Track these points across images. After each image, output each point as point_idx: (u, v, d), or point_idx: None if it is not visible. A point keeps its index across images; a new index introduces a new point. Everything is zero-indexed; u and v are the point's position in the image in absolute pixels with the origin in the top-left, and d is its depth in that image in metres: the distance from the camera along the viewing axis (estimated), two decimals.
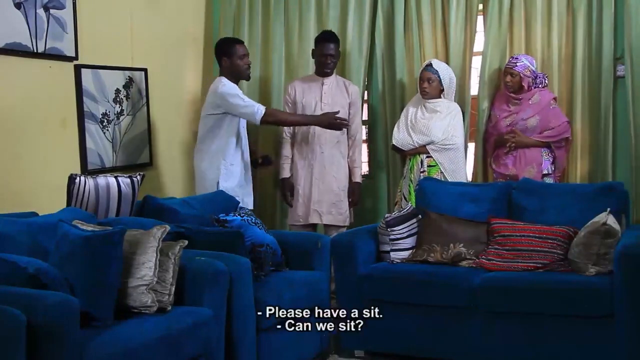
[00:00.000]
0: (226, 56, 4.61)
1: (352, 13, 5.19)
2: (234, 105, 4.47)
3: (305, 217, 4.91)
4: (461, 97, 4.94)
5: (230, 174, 4.57)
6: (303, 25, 5.33)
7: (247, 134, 4.81)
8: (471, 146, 5.06)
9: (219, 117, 4.52)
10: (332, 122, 4.55)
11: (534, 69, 4.61)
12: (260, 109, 4.43)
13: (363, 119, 5.33)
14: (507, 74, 4.64)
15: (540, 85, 4.66)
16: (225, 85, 4.51)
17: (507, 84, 4.65)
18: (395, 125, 4.88)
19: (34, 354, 2.43)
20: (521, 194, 4.24)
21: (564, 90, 4.76)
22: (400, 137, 4.81)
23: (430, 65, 4.72)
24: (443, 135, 4.68)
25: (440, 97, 4.76)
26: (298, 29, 5.35)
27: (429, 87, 4.71)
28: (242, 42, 4.75)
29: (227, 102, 4.47)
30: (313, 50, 4.95)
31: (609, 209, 3.70)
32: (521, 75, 4.58)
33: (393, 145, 4.87)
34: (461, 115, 4.79)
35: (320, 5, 5.31)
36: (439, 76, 4.70)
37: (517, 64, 4.59)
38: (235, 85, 4.60)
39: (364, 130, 5.41)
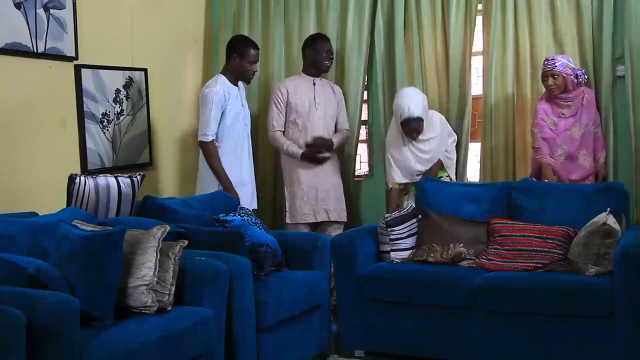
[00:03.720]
0: (238, 55, 4.63)
1: (352, 13, 5.19)
2: (200, 111, 4.60)
3: (313, 216, 4.91)
4: (462, 97, 4.94)
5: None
6: (303, 25, 5.33)
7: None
8: (472, 146, 5.05)
9: None
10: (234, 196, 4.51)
11: (573, 66, 4.48)
12: (207, 137, 4.53)
13: (363, 119, 5.34)
14: (547, 76, 4.44)
15: (583, 83, 4.51)
16: (211, 89, 4.55)
17: (550, 88, 4.45)
18: (389, 170, 4.75)
19: (34, 354, 2.43)
20: (521, 194, 4.23)
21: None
22: (402, 178, 4.72)
23: (419, 119, 4.53)
24: (442, 153, 4.70)
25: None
26: (298, 29, 5.35)
27: (418, 134, 4.61)
28: (257, 47, 4.75)
29: (200, 105, 4.61)
30: (307, 50, 4.94)
31: (609, 209, 3.70)
32: (563, 75, 4.41)
33: (398, 185, 4.75)
34: (442, 124, 4.77)
35: (320, 6, 5.30)
36: (424, 120, 4.59)
37: (556, 64, 4.41)
38: (232, 86, 4.63)
39: (363, 130, 5.42)
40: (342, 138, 5.03)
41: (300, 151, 4.84)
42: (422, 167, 4.69)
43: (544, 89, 4.65)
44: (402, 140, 4.69)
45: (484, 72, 4.94)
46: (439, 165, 4.73)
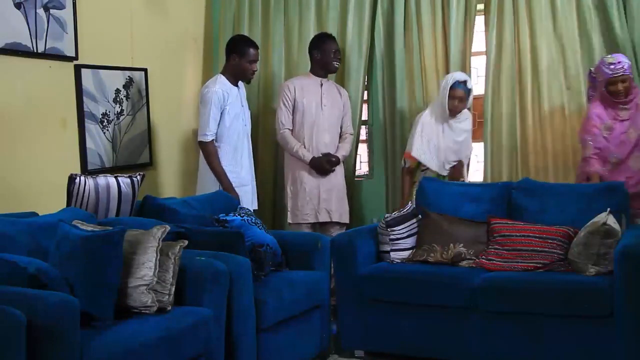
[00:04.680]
0: (237, 54, 4.64)
1: (351, 13, 5.19)
2: (200, 111, 4.63)
3: (314, 216, 4.91)
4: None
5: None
6: (303, 25, 5.33)
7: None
8: (475, 146, 5.04)
9: None
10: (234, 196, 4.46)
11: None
12: (207, 137, 4.54)
13: (363, 119, 5.35)
14: (616, 82, 4.17)
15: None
16: (210, 89, 4.56)
17: (618, 93, 4.20)
18: (416, 143, 4.63)
19: (34, 354, 2.43)
20: (521, 194, 4.23)
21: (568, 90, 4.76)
22: (429, 160, 4.63)
23: (464, 82, 4.52)
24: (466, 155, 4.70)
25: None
26: (298, 29, 5.35)
27: (460, 105, 4.56)
28: (256, 47, 4.74)
29: (200, 105, 4.63)
30: (314, 52, 4.94)
31: (609, 209, 3.70)
32: (630, 77, 4.21)
33: (416, 164, 4.68)
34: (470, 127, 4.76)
35: (320, 6, 5.31)
36: (468, 94, 4.57)
37: (624, 67, 4.15)
38: (232, 86, 4.63)
39: (363, 130, 5.42)
40: (349, 148, 5.03)
41: (310, 156, 4.83)
42: (451, 155, 4.63)
43: (545, 89, 4.65)
44: (440, 119, 4.61)
45: (486, 72, 4.93)
46: (459, 171, 4.69)
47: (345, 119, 5.02)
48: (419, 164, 4.67)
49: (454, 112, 4.58)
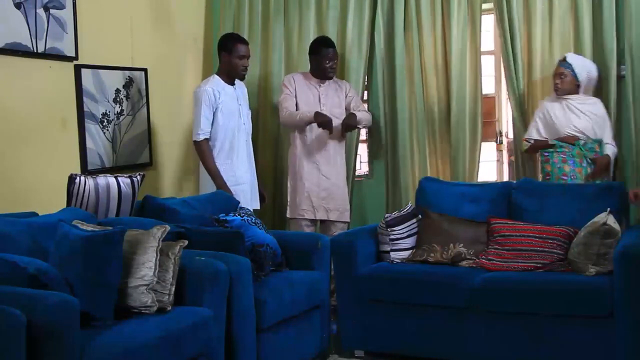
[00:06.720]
0: (226, 52, 4.65)
1: (352, 13, 5.19)
2: (194, 111, 4.65)
3: (312, 212, 4.91)
4: (472, 96, 4.93)
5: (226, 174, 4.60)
6: (303, 25, 5.33)
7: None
8: (484, 146, 5.02)
9: None
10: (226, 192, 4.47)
11: None
12: (199, 136, 4.56)
13: None
14: None
15: None
16: (201, 88, 4.59)
17: None
18: (532, 127, 4.61)
19: (34, 354, 2.43)
20: (521, 194, 4.24)
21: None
22: (540, 128, 4.56)
23: (564, 60, 4.53)
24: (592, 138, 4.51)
25: (577, 93, 4.54)
26: (298, 29, 5.35)
27: (560, 82, 4.51)
28: (245, 43, 4.74)
29: (193, 105, 4.65)
30: (311, 57, 4.95)
31: (609, 209, 3.70)
32: None
33: (535, 142, 4.57)
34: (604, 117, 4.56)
35: (320, 5, 5.31)
36: (573, 71, 4.50)
37: None
38: (227, 85, 4.63)
39: (363, 130, 5.41)
40: (367, 116, 5.01)
41: (313, 111, 4.77)
42: (571, 129, 4.49)
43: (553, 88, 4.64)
44: (556, 99, 4.56)
45: (495, 71, 4.91)
46: (605, 165, 4.45)
47: (353, 102, 4.99)
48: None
49: (558, 91, 4.52)
